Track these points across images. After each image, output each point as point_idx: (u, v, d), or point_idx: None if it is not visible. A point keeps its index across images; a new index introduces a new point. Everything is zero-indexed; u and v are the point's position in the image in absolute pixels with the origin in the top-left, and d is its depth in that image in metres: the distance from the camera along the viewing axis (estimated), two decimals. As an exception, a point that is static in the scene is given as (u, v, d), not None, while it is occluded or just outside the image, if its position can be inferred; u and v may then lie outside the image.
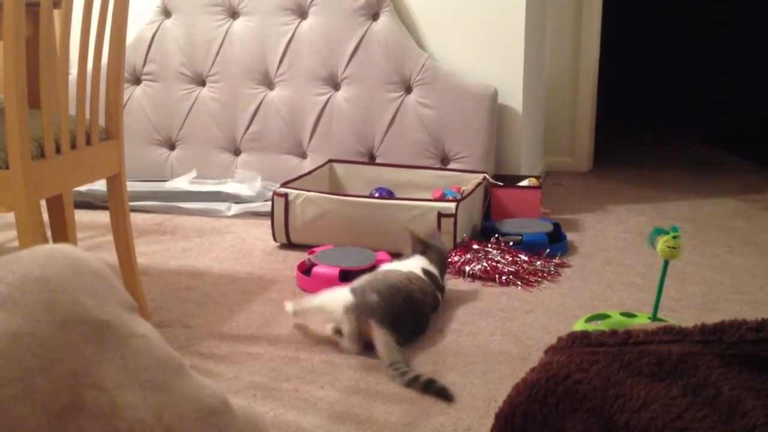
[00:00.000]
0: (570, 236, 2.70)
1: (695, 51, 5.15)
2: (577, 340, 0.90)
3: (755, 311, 2.05)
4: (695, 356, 0.83)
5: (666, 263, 1.76)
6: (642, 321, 1.85)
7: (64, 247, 0.65)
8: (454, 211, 2.41)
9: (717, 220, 2.96)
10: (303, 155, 3.19)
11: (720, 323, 0.87)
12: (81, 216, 2.86)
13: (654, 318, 1.81)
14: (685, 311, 2.03)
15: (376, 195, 2.73)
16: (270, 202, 2.59)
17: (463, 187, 2.82)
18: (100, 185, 2.91)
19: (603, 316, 1.90)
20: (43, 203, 2.02)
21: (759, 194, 3.33)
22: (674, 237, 1.73)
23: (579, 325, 1.87)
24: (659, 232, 1.75)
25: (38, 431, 0.53)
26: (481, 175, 2.83)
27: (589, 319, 1.89)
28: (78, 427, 0.54)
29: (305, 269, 2.23)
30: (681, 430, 0.75)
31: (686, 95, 5.44)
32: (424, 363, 1.71)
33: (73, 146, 1.71)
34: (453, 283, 2.25)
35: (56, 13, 2.17)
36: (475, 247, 2.41)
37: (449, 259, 2.28)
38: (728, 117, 4.46)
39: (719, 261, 2.46)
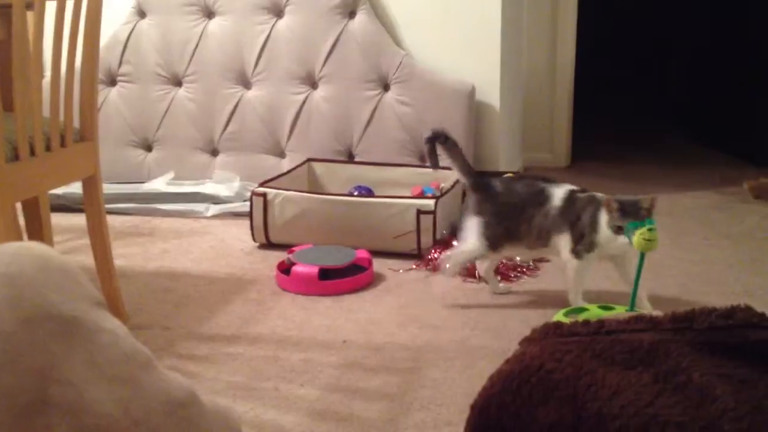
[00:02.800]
0: (549, 231, 2.71)
1: (677, 49, 5.19)
2: (550, 331, 0.91)
3: (731, 303, 2.06)
4: (666, 344, 0.84)
5: (642, 256, 1.78)
6: (619, 313, 1.87)
7: (30, 245, 0.65)
8: (433, 208, 2.42)
9: (695, 212, 2.99)
10: (281, 155, 3.18)
11: (690, 311, 0.89)
12: (58, 219, 2.84)
13: (631, 310, 1.83)
14: (663, 303, 2.05)
15: (356, 193, 2.73)
16: (249, 202, 2.58)
17: (443, 184, 2.83)
18: (76, 188, 2.89)
19: (581, 310, 1.91)
20: (18, 206, 2.00)
21: (736, 186, 3.36)
22: (650, 229, 1.75)
23: (558, 319, 1.88)
24: (635, 224, 1.77)
25: (3, 426, 0.52)
26: (459, 172, 2.83)
27: (568, 313, 1.90)
28: (44, 423, 0.54)
29: (285, 269, 2.22)
30: (652, 417, 0.76)
31: (668, 92, 5.49)
32: (404, 360, 1.72)
33: (48, 148, 1.70)
34: (431, 280, 2.25)
35: (29, 15, 2.15)
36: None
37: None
38: (706, 111, 4.49)
39: (697, 253, 2.48)
